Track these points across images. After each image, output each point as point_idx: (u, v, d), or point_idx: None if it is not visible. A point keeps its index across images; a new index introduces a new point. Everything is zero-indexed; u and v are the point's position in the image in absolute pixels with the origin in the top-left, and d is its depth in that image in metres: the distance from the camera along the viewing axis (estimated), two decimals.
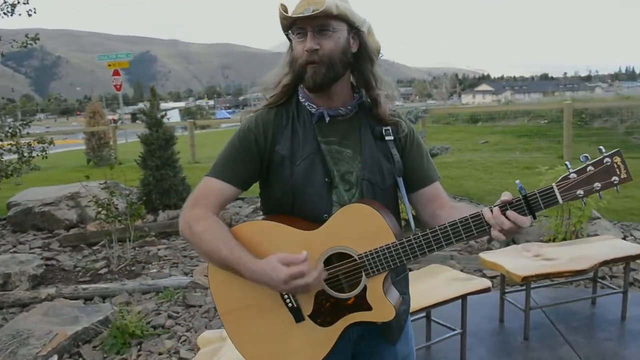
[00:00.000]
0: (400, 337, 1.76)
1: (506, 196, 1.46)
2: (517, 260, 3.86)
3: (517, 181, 1.50)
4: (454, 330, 3.48)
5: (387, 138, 1.69)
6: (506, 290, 4.11)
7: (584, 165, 1.43)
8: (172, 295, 4.74)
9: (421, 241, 1.53)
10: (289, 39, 1.66)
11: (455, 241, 1.52)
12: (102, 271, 5.61)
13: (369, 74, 1.67)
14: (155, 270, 5.59)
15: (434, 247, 1.53)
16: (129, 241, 5.94)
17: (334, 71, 1.60)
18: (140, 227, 6.57)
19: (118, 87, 15.67)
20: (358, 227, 1.56)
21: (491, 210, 1.46)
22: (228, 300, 1.68)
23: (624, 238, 5.54)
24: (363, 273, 1.57)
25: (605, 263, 3.88)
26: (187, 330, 4.13)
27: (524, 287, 4.04)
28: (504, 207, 1.45)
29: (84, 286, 5.01)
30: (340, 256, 1.59)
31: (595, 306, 4.27)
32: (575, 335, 3.79)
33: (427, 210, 1.74)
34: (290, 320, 1.63)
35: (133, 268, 5.66)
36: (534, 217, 1.46)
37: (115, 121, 21.04)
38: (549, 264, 3.78)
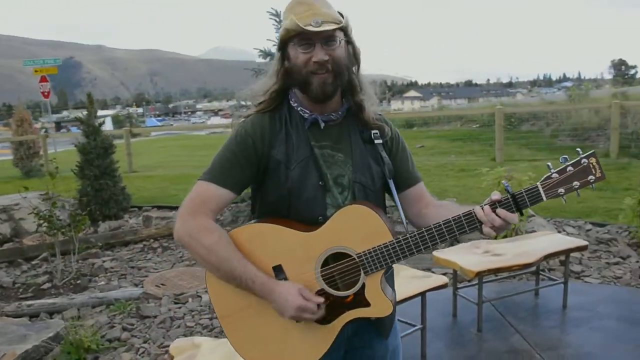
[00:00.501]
0: (391, 331, 1.84)
1: (496, 195, 1.57)
2: (468, 257, 4.04)
3: (504, 181, 1.64)
4: (414, 326, 3.60)
5: (376, 142, 1.76)
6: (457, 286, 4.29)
7: (564, 165, 1.55)
8: (125, 307, 4.64)
9: (417, 239, 1.61)
10: (282, 50, 1.69)
11: (449, 238, 1.61)
12: (45, 286, 5.40)
13: (356, 79, 1.73)
14: (103, 282, 5.44)
15: (429, 244, 1.62)
16: (73, 254, 5.74)
17: (341, 80, 1.67)
18: (84, 239, 6.36)
19: (46, 94, 14.95)
20: (356, 228, 1.63)
21: (482, 209, 1.57)
22: (227, 304, 1.70)
23: (558, 233, 5.88)
24: (362, 271, 1.63)
25: (548, 256, 4.13)
26: (145, 342, 4.06)
27: (473, 283, 4.24)
28: (494, 205, 1.56)
29: (28, 302, 4.80)
30: (338, 256, 1.65)
31: (538, 297, 4.52)
32: (523, 325, 4.01)
33: (412, 209, 1.82)
34: (290, 320, 1.66)
35: (78, 282, 5.47)
36: (521, 214, 1.58)
37: (41, 130, 20.11)
38: (498, 259, 3.99)
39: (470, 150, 12.75)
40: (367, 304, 1.65)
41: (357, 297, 1.65)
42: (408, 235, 1.62)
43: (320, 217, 1.68)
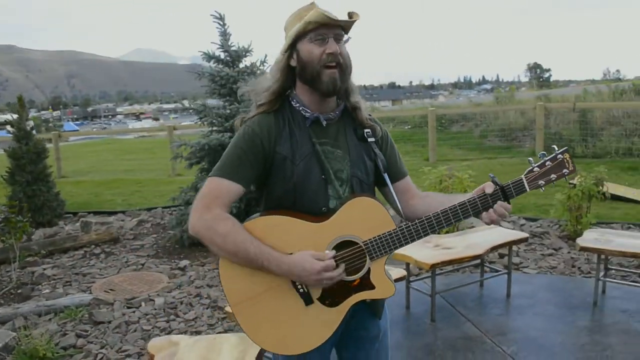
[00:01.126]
0: (382, 313, 1.99)
1: (489, 189, 1.75)
2: (421, 250, 4.24)
3: (491, 174, 1.81)
4: None
5: (369, 140, 1.91)
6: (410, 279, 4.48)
7: (543, 160, 1.77)
8: (76, 314, 4.51)
9: (417, 226, 1.78)
10: (290, 49, 1.79)
11: (446, 225, 1.79)
12: None
13: (350, 81, 1.86)
14: (47, 290, 5.24)
15: (429, 231, 1.79)
16: (13, 262, 5.50)
17: (346, 77, 1.80)
18: (24, 246, 6.09)
19: None
20: (362, 218, 1.78)
21: (477, 200, 1.76)
22: (239, 292, 1.78)
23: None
24: (367, 257, 1.77)
25: (494, 248, 4.40)
26: (102, 348, 3.97)
27: (423, 277, 4.43)
28: (484, 195, 1.75)
29: None
30: (345, 244, 1.78)
31: (483, 288, 4.80)
32: (473, 314, 4.25)
33: (401, 200, 1.97)
34: (300, 304, 1.77)
35: (19, 291, 5.25)
36: (509, 203, 1.76)
37: None
38: (450, 252, 4.21)
39: (404, 151, 13.15)
40: (372, 287, 1.80)
41: (363, 281, 1.79)
42: (410, 224, 1.78)
43: (323, 208, 1.80)
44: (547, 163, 1.76)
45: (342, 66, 1.77)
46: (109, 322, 4.37)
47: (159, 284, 5.21)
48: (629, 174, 9.27)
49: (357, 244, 1.78)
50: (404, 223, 1.80)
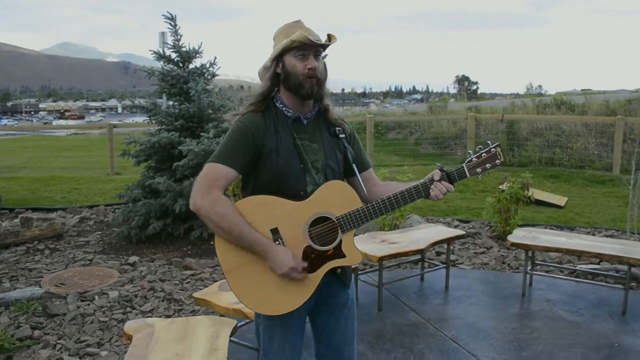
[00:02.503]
0: (350, 283, 2.33)
1: (437, 175, 2.14)
2: (369, 245, 4.56)
3: (438, 164, 2.22)
4: None
5: (340, 136, 2.27)
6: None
7: (480, 152, 2.17)
8: (28, 307, 4.51)
9: (380, 204, 2.15)
10: (277, 60, 2.13)
11: (403, 203, 2.16)
12: None
13: (325, 87, 2.22)
14: None
15: (390, 208, 2.15)
16: None
17: (322, 85, 2.16)
18: None
19: None
20: (335, 198, 2.14)
21: (428, 183, 2.15)
22: (231, 260, 2.06)
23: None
24: (339, 230, 2.11)
25: (435, 243, 4.79)
26: (60, 338, 4.03)
27: (369, 270, 4.74)
28: (432, 180, 2.14)
29: None
30: (321, 219, 2.12)
31: (423, 281, 5.18)
32: (416, 304, 4.61)
33: (365, 188, 2.32)
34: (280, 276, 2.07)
35: None
36: (453, 185, 2.15)
37: None
38: (395, 246, 4.55)
39: None
40: (344, 255, 2.14)
41: (335, 251, 2.13)
42: (374, 203, 2.14)
43: (302, 192, 2.14)
44: (483, 155, 2.16)
45: (319, 78, 2.13)
46: (64, 314, 4.41)
47: (111, 279, 5.26)
48: (550, 182, 10.04)
49: (331, 219, 2.11)
50: (370, 203, 2.16)
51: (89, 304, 4.64)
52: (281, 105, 2.19)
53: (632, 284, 4.79)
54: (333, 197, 2.12)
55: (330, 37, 2.13)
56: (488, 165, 2.14)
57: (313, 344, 2.41)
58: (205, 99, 6.69)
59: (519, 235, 4.87)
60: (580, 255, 4.83)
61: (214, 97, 6.97)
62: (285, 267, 2.02)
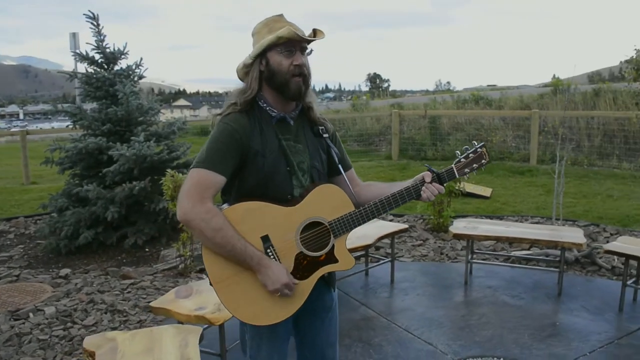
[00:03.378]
0: (335, 285, 2.29)
1: (428, 177, 2.10)
2: None
3: (427, 164, 2.20)
4: None
5: (324, 135, 2.19)
6: None
7: (467, 153, 2.17)
8: None
9: (373, 208, 2.07)
10: (260, 57, 2.02)
11: (395, 206, 2.10)
12: None
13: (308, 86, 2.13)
14: None
15: (382, 211, 2.09)
16: None
17: (308, 83, 2.06)
18: None
19: None
20: (327, 202, 2.05)
21: (419, 185, 2.11)
22: (220, 271, 1.95)
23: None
24: (332, 235, 2.04)
25: (381, 237, 4.87)
26: None
27: None
28: (423, 182, 2.11)
29: None
30: (313, 224, 2.04)
31: (368, 276, 5.25)
32: (365, 298, 4.67)
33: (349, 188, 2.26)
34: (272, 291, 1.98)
35: None
36: (443, 186, 2.14)
37: None
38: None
39: None
40: (336, 260, 2.07)
41: (328, 256, 2.06)
42: (367, 206, 2.08)
43: (289, 196, 2.04)
44: (470, 155, 2.16)
45: (306, 76, 2.03)
46: None
47: (44, 294, 4.96)
48: (473, 174, 10.45)
49: (323, 224, 2.05)
50: (362, 206, 2.09)
51: (23, 323, 4.34)
52: (265, 105, 2.07)
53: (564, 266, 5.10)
54: (325, 201, 2.05)
55: (316, 32, 2.03)
56: (475, 166, 2.16)
57: (295, 346, 2.35)
58: (134, 102, 6.46)
59: (459, 227, 5.05)
60: (519, 242, 5.07)
61: (143, 100, 6.74)
62: (277, 284, 1.94)
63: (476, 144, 2.20)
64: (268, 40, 1.97)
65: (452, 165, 2.15)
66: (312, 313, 2.23)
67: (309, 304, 2.16)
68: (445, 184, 2.14)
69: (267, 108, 2.07)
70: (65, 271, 5.55)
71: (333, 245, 2.06)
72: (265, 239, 1.97)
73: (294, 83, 2.01)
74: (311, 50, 2.07)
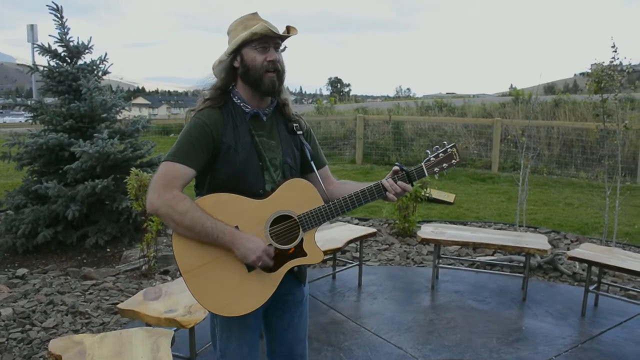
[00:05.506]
0: (306, 280, 2.30)
1: (396, 168, 2.12)
2: None
3: (397, 162, 2.21)
4: None
5: (298, 132, 2.21)
6: None
7: (437, 152, 2.18)
8: None
9: (342, 203, 2.10)
10: (234, 53, 2.04)
11: (364, 202, 2.12)
12: None
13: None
14: None
15: (351, 207, 2.11)
16: None
17: (282, 80, 2.09)
18: None
19: None
20: (297, 196, 2.09)
21: (387, 181, 2.11)
22: (190, 261, 1.97)
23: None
24: (301, 229, 2.06)
25: (350, 241, 4.86)
26: None
27: None
28: (394, 178, 2.11)
29: None
30: (282, 218, 2.06)
31: (336, 280, 5.24)
32: (334, 302, 4.65)
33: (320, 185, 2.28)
34: (243, 270, 2.02)
35: None
36: (412, 185, 2.15)
37: None
38: None
39: None
40: (305, 254, 2.10)
41: (297, 249, 2.08)
42: (335, 201, 2.10)
43: (260, 190, 2.08)
44: (440, 154, 2.17)
45: (280, 72, 2.06)
46: None
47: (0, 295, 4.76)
48: (437, 180, 10.60)
49: (293, 217, 2.07)
50: (331, 201, 2.11)
51: None
52: (239, 101, 2.10)
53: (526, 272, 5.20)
54: (294, 196, 2.08)
55: (289, 29, 2.07)
56: (445, 165, 2.16)
57: (265, 340, 2.36)
58: (98, 98, 6.27)
59: (427, 231, 5.09)
60: (486, 247, 5.14)
61: (107, 96, 6.56)
62: (258, 251, 1.95)
63: (447, 144, 2.21)
64: (242, 37, 2.00)
65: (422, 164, 2.17)
66: (282, 307, 2.25)
67: (279, 298, 2.19)
68: (414, 183, 2.15)
69: (241, 104, 2.11)
70: (22, 271, 5.34)
71: (302, 239, 2.08)
72: None
73: (268, 78, 2.03)
74: (285, 47, 2.10)
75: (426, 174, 2.16)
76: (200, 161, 1.99)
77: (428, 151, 2.21)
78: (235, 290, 2.00)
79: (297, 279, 2.23)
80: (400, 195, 2.12)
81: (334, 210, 2.10)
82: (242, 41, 2.00)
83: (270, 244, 2.03)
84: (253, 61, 2.02)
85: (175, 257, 1.97)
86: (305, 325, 2.36)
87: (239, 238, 1.95)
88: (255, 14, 2.10)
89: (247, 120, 2.09)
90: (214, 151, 2.02)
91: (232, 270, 1.99)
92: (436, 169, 2.16)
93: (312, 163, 2.22)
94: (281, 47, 2.09)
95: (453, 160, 2.18)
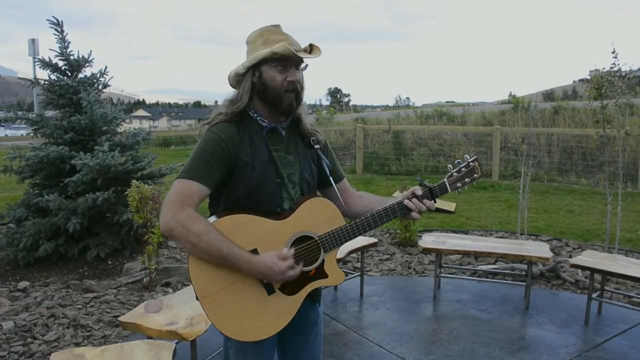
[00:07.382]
0: (321, 300, 2.23)
1: (418, 191, 2.08)
2: None
3: (418, 177, 2.16)
4: None
5: (315, 146, 2.15)
6: None
7: (459, 167, 2.14)
8: None
9: (363, 223, 2.04)
10: (253, 69, 1.97)
11: (386, 221, 2.07)
12: None
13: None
14: None
15: (373, 226, 2.05)
16: None
17: (301, 99, 2.02)
18: None
19: None
20: (318, 216, 2.01)
21: (411, 200, 2.06)
22: (207, 285, 1.89)
23: None
24: (322, 249, 2.00)
25: (351, 252, 4.86)
26: None
27: None
28: (418, 197, 2.07)
29: None
30: (303, 239, 1.99)
31: (337, 290, 5.22)
32: (335, 313, 4.64)
33: (340, 200, 2.22)
34: (263, 294, 1.94)
35: None
36: (435, 201, 2.11)
37: None
38: None
39: None
40: (326, 276, 2.03)
41: (318, 271, 2.02)
42: (357, 220, 2.04)
43: (278, 209, 1.99)
44: (463, 169, 2.13)
45: (299, 92, 2.00)
46: None
47: (1, 308, 4.74)
48: (465, 188, 10.62)
49: (313, 238, 2.00)
50: (353, 220, 2.06)
51: None
52: (255, 115, 2.02)
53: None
54: (315, 216, 2.00)
55: (312, 48, 1.98)
56: (467, 180, 2.11)
57: None
58: (98, 111, 6.30)
59: (428, 241, 5.08)
60: (488, 256, 5.13)
61: (108, 109, 6.58)
62: (279, 272, 1.87)
63: (468, 157, 2.16)
64: (262, 54, 1.93)
65: (445, 180, 2.12)
66: (296, 328, 2.17)
67: (294, 319, 2.11)
68: (437, 200, 2.11)
69: (258, 118, 2.03)
70: (23, 284, 5.34)
71: (323, 260, 2.02)
72: (254, 253, 1.91)
73: (287, 98, 1.97)
74: (306, 65, 2.03)
75: (449, 190, 2.11)
76: (215, 178, 1.91)
77: (450, 166, 2.16)
78: (254, 315, 1.93)
79: (312, 299, 2.15)
80: (423, 212, 2.08)
81: (355, 229, 2.04)
82: (262, 58, 1.94)
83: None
84: (272, 80, 1.95)
85: (192, 281, 1.90)
86: (320, 345, 2.30)
87: (255, 265, 1.87)
88: (277, 26, 2.02)
89: (264, 134, 2.02)
90: (229, 168, 1.94)
91: (252, 294, 1.93)
92: (459, 184, 2.12)
93: (331, 178, 2.16)
94: (302, 65, 2.02)
95: (475, 175, 2.14)
